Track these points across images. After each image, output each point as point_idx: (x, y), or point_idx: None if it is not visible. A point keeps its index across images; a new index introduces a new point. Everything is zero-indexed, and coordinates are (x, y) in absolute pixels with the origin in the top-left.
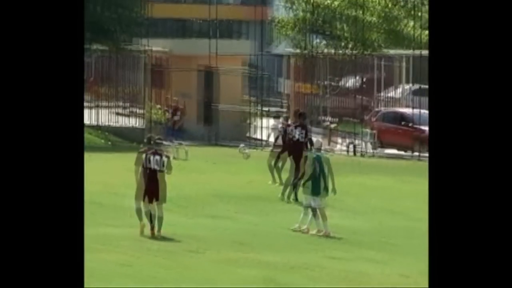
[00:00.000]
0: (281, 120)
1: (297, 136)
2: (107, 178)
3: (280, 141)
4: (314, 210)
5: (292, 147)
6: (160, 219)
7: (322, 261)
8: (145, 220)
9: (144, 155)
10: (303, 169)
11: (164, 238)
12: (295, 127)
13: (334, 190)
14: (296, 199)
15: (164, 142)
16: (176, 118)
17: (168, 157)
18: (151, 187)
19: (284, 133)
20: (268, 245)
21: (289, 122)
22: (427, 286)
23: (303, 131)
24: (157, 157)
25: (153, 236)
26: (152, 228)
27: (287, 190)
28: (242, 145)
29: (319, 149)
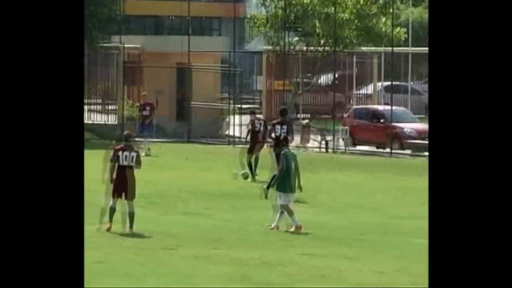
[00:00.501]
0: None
1: (278, 133)
2: None
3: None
4: (281, 207)
5: (274, 144)
6: (132, 215)
7: (295, 257)
8: (107, 218)
9: (113, 152)
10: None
11: (137, 235)
12: (277, 124)
13: (300, 188)
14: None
15: (137, 139)
16: (145, 113)
17: (137, 152)
18: (121, 183)
19: (252, 129)
20: (241, 242)
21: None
22: (401, 281)
23: (285, 128)
24: (126, 153)
25: (108, 231)
26: (111, 222)
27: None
28: (234, 171)
29: (286, 146)
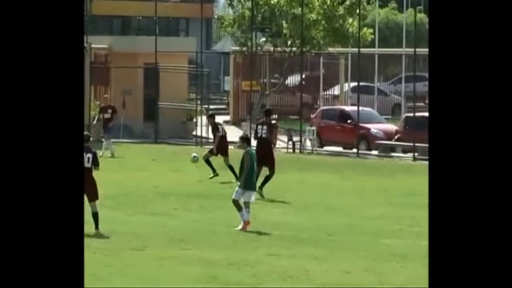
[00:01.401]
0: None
1: (260, 133)
2: None
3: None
4: (246, 204)
5: (257, 144)
6: (95, 216)
7: (262, 257)
8: None
9: None
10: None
11: (104, 236)
12: (260, 124)
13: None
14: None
15: (103, 140)
16: (106, 116)
17: (94, 153)
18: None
19: (213, 129)
20: (208, 242)
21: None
22: (368, 281)
23: (266, 128)
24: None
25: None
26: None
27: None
28: (194, 154)
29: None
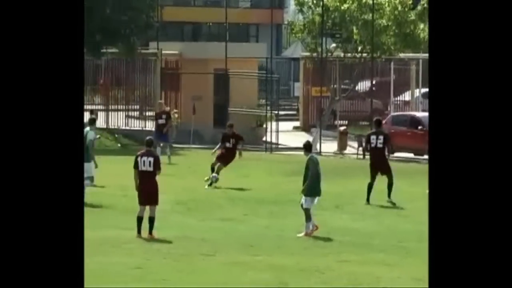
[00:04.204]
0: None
1: (374, 143)
2: (117, 180)
3: (229, 145)
4: (305, 211)
5: (372, 154)
6: (151, 220)
7: (332, 264)
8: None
9: (135, 158)
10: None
11: (174, 241)
12: (373, 134)
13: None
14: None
15: (174, 145)
16: (161, 121)
17: (156, 157)
18: (143, 189)
19: (221, 139)
20: (278, 248)
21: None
22: None
23: (381, 138)
24: (144, 158)
25: (153, 238)
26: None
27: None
28: (214, 174)
29: (309, 151)
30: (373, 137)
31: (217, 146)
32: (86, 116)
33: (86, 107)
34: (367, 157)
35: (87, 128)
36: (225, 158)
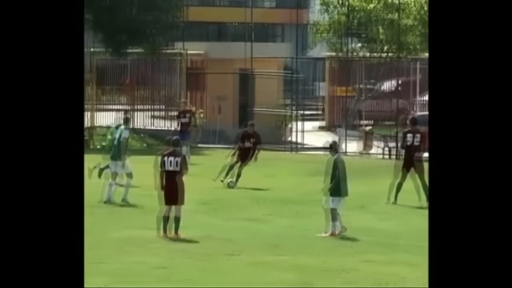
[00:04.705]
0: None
1: (410, 141)
2: (142, 180)
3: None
4: (331, 211)
5: (407, 152)
6: (177, 220)
7: (357, 264)
8: (162, 223)
9: (161, 158)
10: (423, 174)
11: (198, 241)
12: (410, 133)
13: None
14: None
15: (200, 145)
16: (184, 120)
17: (182, 157)
18: (169, 188)
19: (240, 138)
20: (303, 248)
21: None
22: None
23: (418, 135)
24: (171, 158)
25: (178, 238)
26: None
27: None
28: (230, 180)
29: (336, 151)
30: (409, 135)
31: (236, 146)
32: (108, 116)
33: (112, 107)
34: (393, 156)
35: (122, 127)
36: (245, 157)
